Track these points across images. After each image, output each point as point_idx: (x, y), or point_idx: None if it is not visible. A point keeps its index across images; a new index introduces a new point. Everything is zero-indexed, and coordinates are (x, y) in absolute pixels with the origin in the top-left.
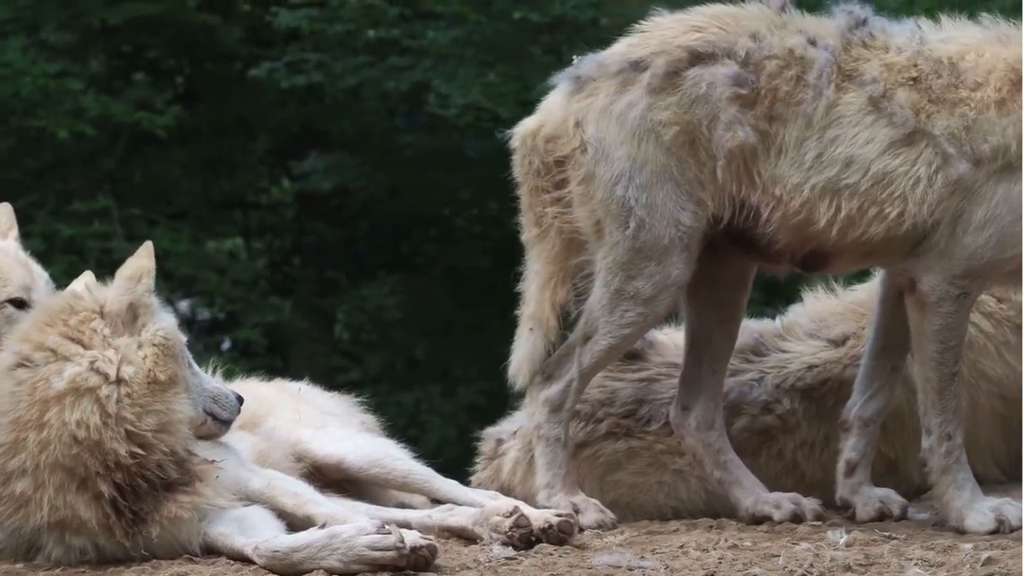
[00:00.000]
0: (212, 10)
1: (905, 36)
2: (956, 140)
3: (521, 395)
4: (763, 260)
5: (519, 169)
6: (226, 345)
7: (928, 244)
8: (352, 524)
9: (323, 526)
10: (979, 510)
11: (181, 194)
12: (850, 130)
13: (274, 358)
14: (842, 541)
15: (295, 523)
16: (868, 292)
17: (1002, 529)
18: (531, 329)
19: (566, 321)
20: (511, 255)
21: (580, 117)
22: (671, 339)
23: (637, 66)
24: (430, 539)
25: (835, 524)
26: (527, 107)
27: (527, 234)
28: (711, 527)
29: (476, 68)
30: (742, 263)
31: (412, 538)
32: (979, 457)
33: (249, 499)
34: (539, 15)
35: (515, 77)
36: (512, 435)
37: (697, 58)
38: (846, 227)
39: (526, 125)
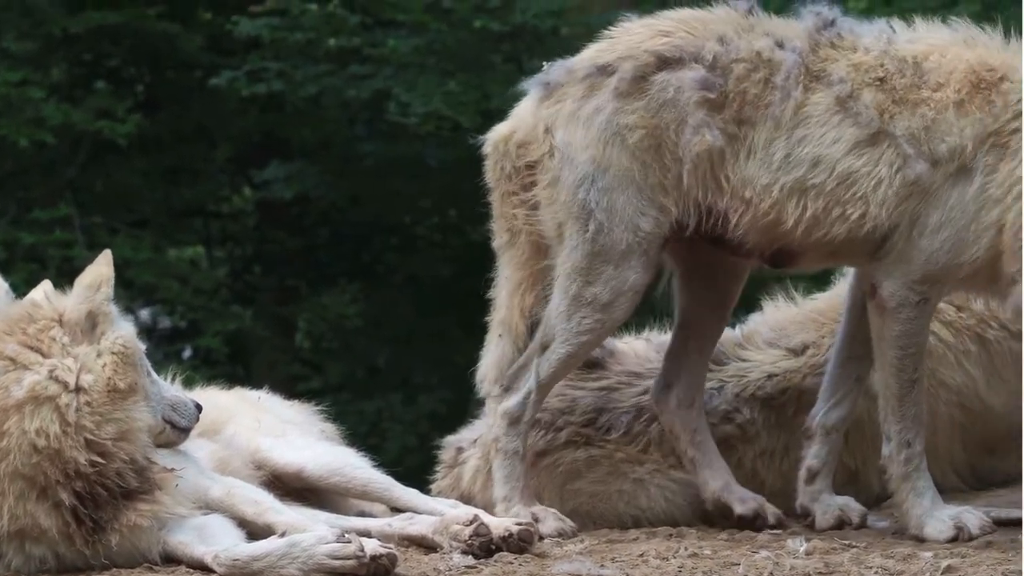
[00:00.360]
0: (172, 19)
1: (873, 36)
2: (915, 140)
3: (482, 403)
4: (733, 255)
5: (491, 175)
6: (187, 353)
7: (888, 247)
8: (312, 533)
9: (283, 535)
10: (938, 518)
11: (142, 202)
12: (817, 130)
13: (235, 366)
14: (802, 549)
15: (255, 531)
16: (828, 301)
17: (961, 537)
18: (500, 335)
19: (535, 328)
20: (472, 263)
21: (549, 123)
22: (631, 347)
23: (604, 71)
24: (390, 548)
25: (795, 532)
26: (488, 115)
27: (498, 240)
28: (671, 536)
29: (437, 77)
30: (720, 256)
31: (372, 547)
32: (938, 466)
33: (209, 507)
34: (500, 24)
35: (476, 86)
36: (472, 443)
37: (664, 63)
38: (811, 227)
39: (498, 131)
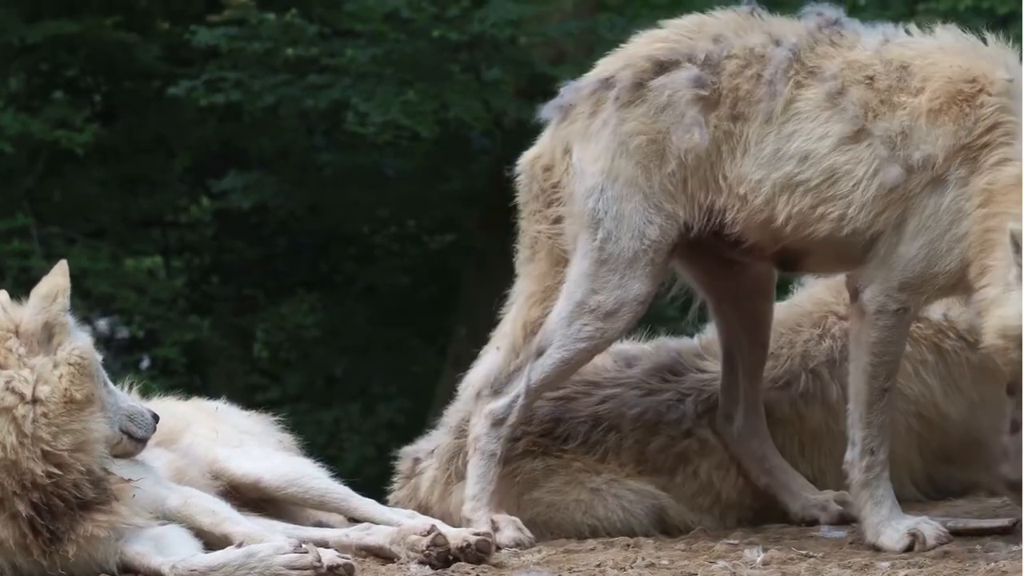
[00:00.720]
0: (130, 28)
1: (871, 37)
2: (891, 144)
3: (440, 414)
4: (741, 257)
5: (522, 196)
6: (145, 363)
7: (872, 253)
8: (269, 543)
9: (240, 545)
10: (895, 527)
11: (100, 212)
12: (807, 125)
13: (193, 376)
14: (759, 560)
15: (212, 542)
16: (786, 311)
17: (916, 547)
18: (497, 347)
19: None
20: (429, 273)
21: (567, 144)
22: None
23: (607, 84)
24: (347, 558)
25: (752, 543)
26: (446, 125)
27: (520, 256)
28: (628, 546)
29: (395, 86)
30: (752, 268)
31: (329, 557)
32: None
33: (166, 517)
34: (458, 33)
35: (434, 95)
36: (429, 454)
37: (661, 67)
38: (799, 225)
39: (527, 155)
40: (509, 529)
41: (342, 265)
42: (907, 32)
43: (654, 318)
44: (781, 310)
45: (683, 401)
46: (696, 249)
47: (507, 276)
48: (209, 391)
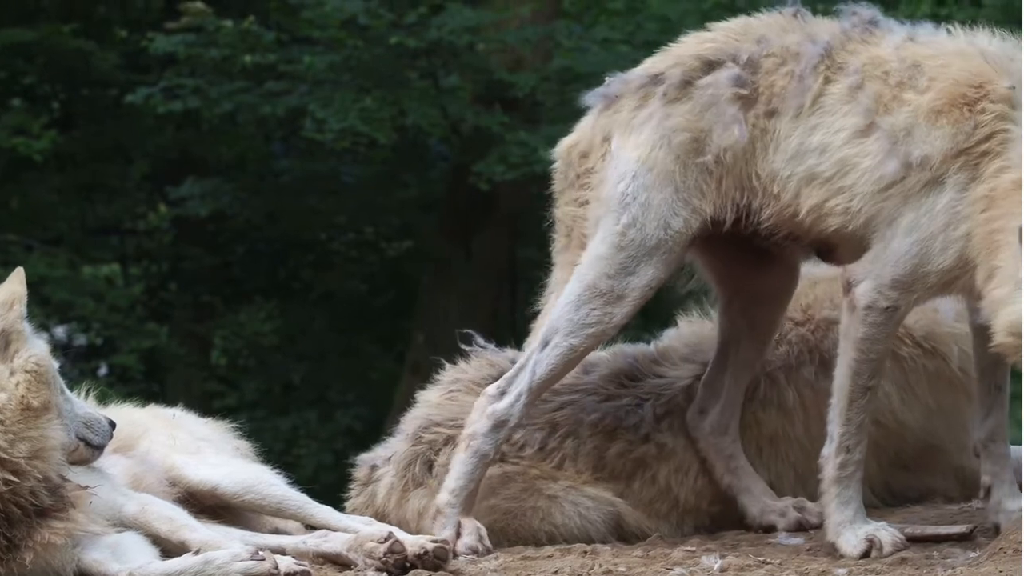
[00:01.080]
0: (88, 36)
1: (898, 34)
2: (894, 139)
3: (397, 421)
4: (781, 243)
5: (557, 183)
6: (103, 371)
7: (869, 246)
8: (226, 550)
9: (197, 552)
10: (855, 531)
11: (58, 220)
12: (828, 118)
13: (151, 384)
14: (716, 566)
15: (169, 549)
16: None
17: (873, 553)
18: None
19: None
20: (387, 280)
21: (607, 132)
22: None
23: (656, 80)
24: (304, 565)
25: (709, 550)
26: (403, 132)
27: (556, 245)
28: (585, 553)
29: (353, 93)
30: (775, 273)
31: (286, 564)
32: None
33: (123, 524)
34: (415, 40)
35: (392, 102)
36: (387, 461)
37: (709, 66)
38: (816, 219)
39: (564, 142)
40: (470, 536)
41: (300, 272)
42: (948, 31)
43: None
44: None
45: (641, 406)
46: (723, 243)
47: (466, 282)
48: (167, 398)
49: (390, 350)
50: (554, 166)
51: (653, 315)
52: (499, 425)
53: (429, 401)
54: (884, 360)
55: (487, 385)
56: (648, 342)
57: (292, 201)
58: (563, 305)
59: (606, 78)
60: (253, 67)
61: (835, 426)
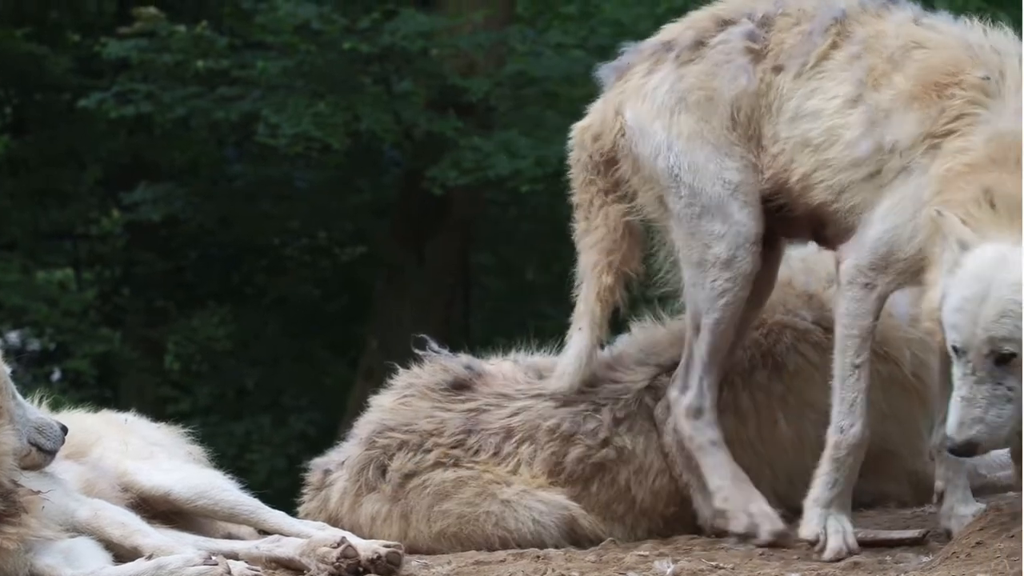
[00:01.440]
0: (40, 40)
1: (906, 13)
2: (874, 118)
3: (350, 426)
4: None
5: (574, 167)
6: (56, 376)
7: (855, 229)
8: (179, 555)
9: (150, 557)
10: (820, 516)
11: (10, 224)
12: (827, 83)
13: (104, 389)
14: (669, 571)
15: (122, 554)
16: None
17: (817, 547)
18: (580, 328)
19: (616, 318)
20: (340, 285)
21: (618, 104)
22: (499, 369)
23: (668, 45)
24: (257, 570)
25: (662, 554)
26: (356, 137)
27: (578, 230)
28: (538, 557)
29: (306, 98)
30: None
31: (239, 569)
32: (808, 486)
33: (76, 530)
34: (369, 45)
35: (345, 107)
36: (340, 466)
37: (723, 24)
38: (804, 188)
39: (578, 126)
40: (768, 523)
41: (253, 277)
42: (954, 20)
43: (565, 331)
44: None
45: (599, 411)
46: None
47: (419, 288)
48: (120, 403)
49: (343, 355)
50: (570, 152)
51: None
52: (697, 414)
53: (382, 406)
54: (867, 339)
55: (440, 390)
56: (603, 347)
57: (245, 206)
58: (690, 288)
59: (621, 50)
60: (206, 72)
61: (834, 404)
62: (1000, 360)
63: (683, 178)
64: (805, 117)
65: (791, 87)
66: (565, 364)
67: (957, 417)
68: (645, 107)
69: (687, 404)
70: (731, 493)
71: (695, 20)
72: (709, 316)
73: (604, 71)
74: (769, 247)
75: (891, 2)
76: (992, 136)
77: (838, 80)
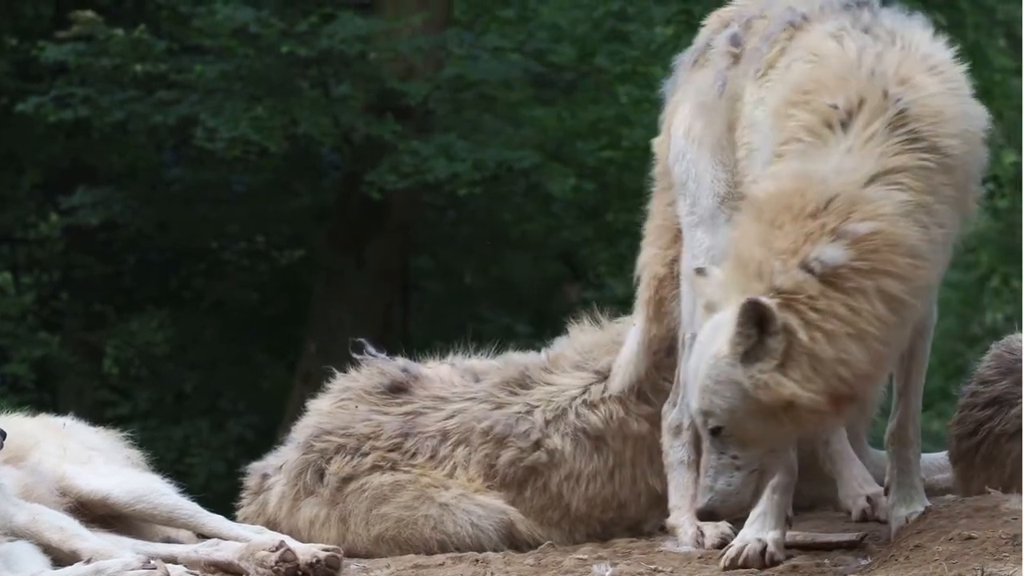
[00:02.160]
0: None
1: (839, 22)
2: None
3: (288, 429)
4: None
5: (654, 179)
6: None
7: None
8: (118, 559)
9: (89, 561)
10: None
11: None
12: (769, 93)
13: (43, 393)
14: (607, 574)
15: (61, 558)
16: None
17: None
18: (634, 324)
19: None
20: (279, 289)
21: (668, 120)
22: (436, 372)
23: (695, 50)
24: (196, 574)
25: (601, 558)
26: (294, 141)
27: (647, 228)
28: (477, 561)
29: (244, 102)
30: None
31: (178, 573)
32: None
33: (14, 534)
34: (307, 49)
35: (283, 111)
36: (278, 469)
37: (724, 25)
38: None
39: (654, 141)
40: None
41: (191, 281)
42: (927, 30)
43: (504, 334)
44: (628, 323)
45: (532, 412)
46: None
47: (358, 291)
48: (58, 407)
49: (282, 359)
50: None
51: (548, 324)
52: (677, 432)
53: (320, 410)
54: None
55: (377, 393)
56: (539, 350)
57: (183, 210)
58: (681, 300)
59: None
60: (144, 76)
61: None
62: (714, 432)
63: (689, 186)
64: (752, 126)
65: (749, 93)
66: (615, 370)
67: (699, 485)
68: (676, 117)
69: (670, 420)
70: (686, 516)
71: (712, 20)
72: (691, 331)
73: (665, 85)
74: None
75: (857, 5)
76: (798, 175)
77: (775, 91)
